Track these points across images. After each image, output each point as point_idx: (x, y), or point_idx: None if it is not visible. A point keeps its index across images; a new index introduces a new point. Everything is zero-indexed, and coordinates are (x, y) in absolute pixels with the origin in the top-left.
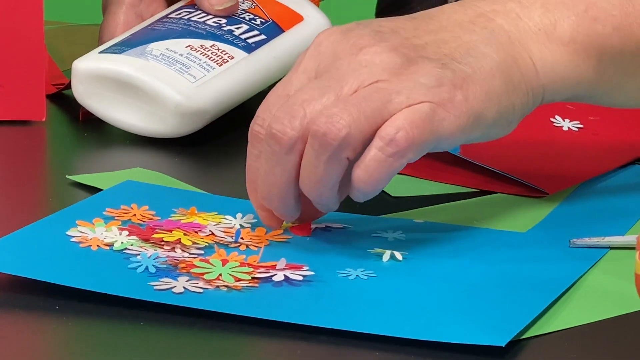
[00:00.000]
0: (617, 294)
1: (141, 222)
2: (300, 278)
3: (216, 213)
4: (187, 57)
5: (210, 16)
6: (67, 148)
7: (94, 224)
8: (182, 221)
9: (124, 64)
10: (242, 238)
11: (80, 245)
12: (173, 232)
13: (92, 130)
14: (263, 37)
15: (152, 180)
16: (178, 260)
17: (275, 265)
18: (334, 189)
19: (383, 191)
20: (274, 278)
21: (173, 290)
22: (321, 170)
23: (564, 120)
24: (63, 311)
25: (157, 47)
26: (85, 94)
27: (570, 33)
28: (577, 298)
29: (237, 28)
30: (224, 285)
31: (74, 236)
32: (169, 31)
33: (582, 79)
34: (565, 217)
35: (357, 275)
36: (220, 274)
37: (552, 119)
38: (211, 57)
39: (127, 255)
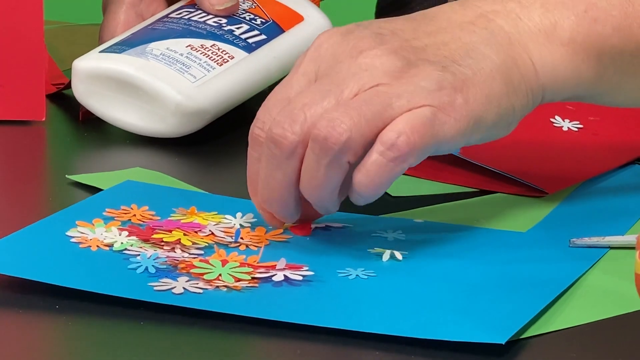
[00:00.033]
0: (617, 293)
1: (141, 223)
2: (300, 278)
3: (216, 213)
4: (187, 57)
5: (210, 16)
6: (67, 148)
7: (93, 225)
8: (182, 221)
9: (125, 64)
10: (241, 238)
11: (80, 245)
12: (173, 232)
13: (92, 130)
14: (263, 37)
15: (152, 180)
16: (178, 260)
17: (275, 265)
18: (334, 193)
19: None
20: (273, 278)
21: (173, 290)
22: (322, 174)
23: (564, 121)
24: (63, 311)
25: (158, 46)
26: (86, 94)
27: (570, 33)
28: (577, 298)
29: (238, 28)
30: (224, 286)
31: (73, 237)
32: (170, 31)
33: (581, 80)
34: (565, 216)
35: (357, 275)
36: (220, 274)
37: (552, 119)
38: (211, 57)
39: (127, 255)
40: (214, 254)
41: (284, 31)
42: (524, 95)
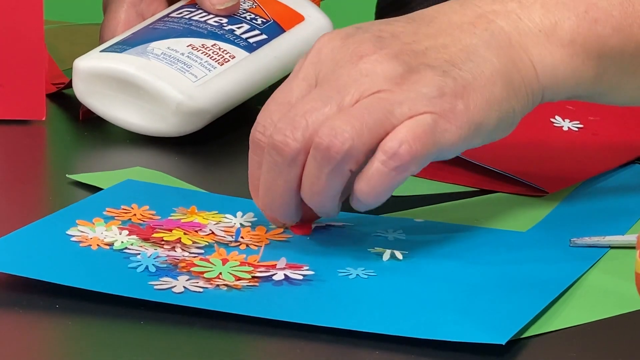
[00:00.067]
0: (617, 293)
1: (141, 222)
2: (301, 277)
3: (216, 212)
4: (188, 57)
5: (211, 15)
6: (67, 147)
7: (94, 224)
8: (182, 220)
9: (125, 63)
10: (242, 237)
11: (80, 244)
12: (173, 231)
13: (92, 129)
14: (264, 36)
15: (152, 179)
16: (178, 259)
17: (276, 264)
18: (335, 199)
19: None
20: (274, 277)
21: (173, 289)
22: (323, 181)
23: (564, 120)
24: (63, 310)
25: (158, 46)
26: (86, 93)
27: (571, 35)
28: (577, 297)
29: (239, 27)
30: (224, 285)
31: (74, 235)
32: (170, 30)
33: (581, 80)
34: (565, 216)
35: (357, 275)
36: (220, 273)
37: (552, 119)
38: (212, 57)
39: (127, 254)
40: (214, 253)
41: (284, 31)
42: (524, 97)
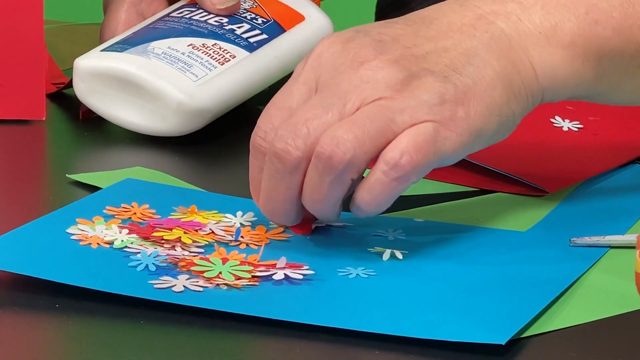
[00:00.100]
0: (617, 293)
1: (141, 221)
2: (301, 277)
3: (216, 211)
4: (188, 56)
5: (211, 15)
6: (67, 147)
7: (94, 222)
8: (182, 219)
9: (126, 62)
10: (242, 236)
11: (80, 243)
12: (173, 230)
13: (92, 129)
14: (265, 36)
15: (152, 179)
16: (178, 258)
17: (276, 264)
18: (336, 206)
19: None
20: (274, 277)
21: (173, 288)
22: (325, 189)
23: (564, 121)
24: (63, 309)
25: (159, 45)
26: (87, 92)
27: (571, 36)
28: (577, 297)
29: (239, 27)
30: (224, 284)
31: (74, 234)
32: (171, 30)
33: (581, 81)
34: (565, 216)
35: (357, 274)
36: (220, 272)
37: (552, 119)
38: (213, 56)
39: (127, 253)
40: (214, 252)
41: (285, 31)
42: (524, 99)
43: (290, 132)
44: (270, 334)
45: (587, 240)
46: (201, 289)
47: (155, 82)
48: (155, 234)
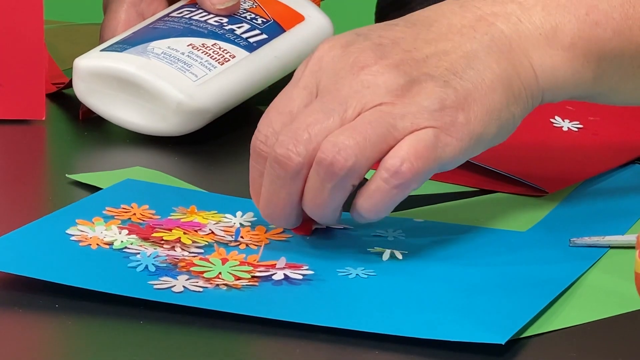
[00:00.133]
0: (617, 293)
1: (141, 221)
2: (300, 277)
3: (216, 212)
4: (188, 56)
5: (211, 15)
6: (67, 147)
7: (93, 223)
8: (182, 220)
9: (126, 62)
10: (241, 237)
11: (80, 244)
12: (173, 231)
13: (92, 129)
14: (264, 36)
15: (152, 179)
16: (178, 259)
17: (275, 264)
18: (336, 211)
19: None
20: (273, 277)
21: (173, 289)
22: (326, 195)
23: (564, 121)
24: (62, 310)
25: (159, 45)
26: (87, 92)
27: (571, 38)
28: (577, 297)
29: (239, 27)
30: (224, 284)
31: (73, 235)
32: (171, 30)
33: (581, 82)
34: (565, 216)
35: (357, 274)
36: (220, 273)
37: (552, 119)
38: (213, 56)
39: (127, 254)
40: (214, 252)
41: (284, 31)
42: (524, 101)
43: (291, 137)
44: (270, 334)
45: (587, 240)
46: (201, 290)
47: (155, 82)
48: (154, 234)
